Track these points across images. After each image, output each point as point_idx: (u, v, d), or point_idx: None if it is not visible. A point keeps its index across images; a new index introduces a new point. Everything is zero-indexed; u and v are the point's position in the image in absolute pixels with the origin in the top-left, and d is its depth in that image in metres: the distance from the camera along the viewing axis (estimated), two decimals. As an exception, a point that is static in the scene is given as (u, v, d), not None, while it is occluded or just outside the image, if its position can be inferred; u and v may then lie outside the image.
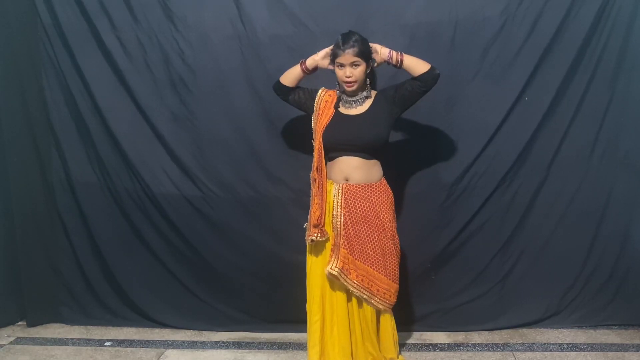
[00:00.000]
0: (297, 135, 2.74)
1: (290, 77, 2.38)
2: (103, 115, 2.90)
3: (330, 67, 2.31)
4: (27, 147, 2.97)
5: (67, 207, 3.05)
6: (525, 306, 2.92)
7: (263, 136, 2.83)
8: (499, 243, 2.87)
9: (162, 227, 2.98)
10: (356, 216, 2.31)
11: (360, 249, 2.31)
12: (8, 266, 3.07)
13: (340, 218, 2.31)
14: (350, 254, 2.31)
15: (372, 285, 2.32)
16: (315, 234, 2.31)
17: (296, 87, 2.42)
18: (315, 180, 2.34)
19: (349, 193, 2.31)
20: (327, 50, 2.30)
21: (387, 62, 2.29)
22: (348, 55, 2.19)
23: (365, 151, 2.30)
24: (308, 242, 2.36)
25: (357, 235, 2.31)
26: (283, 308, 2.88)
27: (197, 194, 2.91)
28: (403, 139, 2.76)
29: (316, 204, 2.32)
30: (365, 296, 2.33)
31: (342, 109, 2.33)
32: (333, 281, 2.35)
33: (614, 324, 2.92)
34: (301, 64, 2.34)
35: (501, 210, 2.84)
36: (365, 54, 2.23)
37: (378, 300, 2.34)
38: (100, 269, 3.08)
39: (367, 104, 2.32)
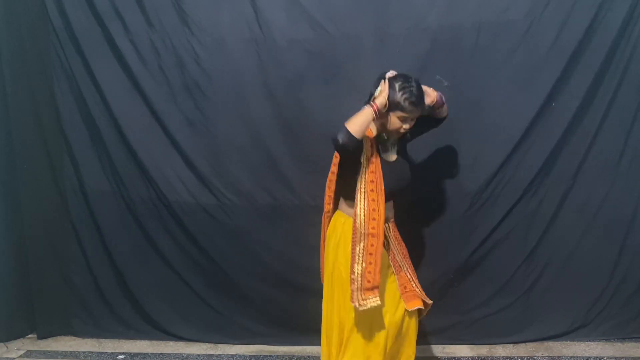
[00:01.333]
0: (315, 140, 2.70)
1: (363, 127, 1.96)
2: (116, 121, 2.88)
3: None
4: (39, 154, 2.95)
5: (79, 215, 3.03)
6: (551, 318, 2.88)
7: (280, 142, 2.79)
8: (524, 253, 2.83)
9: (177, 236, 2.95)
10: (403, 250, 2.27)
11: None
12: (18, 277, 3.04)
13: (400, 256, 2.23)
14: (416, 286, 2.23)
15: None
16: (376, 298, 2.03)
17: None
18: (372, 236, 2.06)
19: (394, 231, 2.26)
20: (386, 90, 2.01)
21: (430, 106, 2.12)
22: (416, 112, 2.05)
23: (399, 195, 2.24)
24: (364, 308, 2.04)
25: (410, 265, 2.27)
26: (302, 320, 2.83)
27: (213, 201, 2.87)
28: (425, 146, 2.70)
29: (371, 264, 2.04)
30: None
31: (383, 155, 2.17)
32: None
33: (642, 337, 2.87)
34: (373, 108, 1.97)
35: (526, 219, 2.80)
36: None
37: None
38: (113, 279, 3.06)
39: (396, 146, 2.21)
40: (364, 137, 2.02)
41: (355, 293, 2.04)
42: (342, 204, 2.20)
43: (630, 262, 2.81)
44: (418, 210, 2.64)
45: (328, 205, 2.27)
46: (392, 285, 2.16)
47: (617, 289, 2.85)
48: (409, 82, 2.03)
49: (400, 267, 2.20)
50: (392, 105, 2.02)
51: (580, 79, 2.65)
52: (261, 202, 2.84)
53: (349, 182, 2.11)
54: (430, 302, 2.19)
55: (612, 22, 2.60)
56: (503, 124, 2.70)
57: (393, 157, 2.19)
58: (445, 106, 2.20)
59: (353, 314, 2.13)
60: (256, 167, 2.82)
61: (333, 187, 2.23)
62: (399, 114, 2.03)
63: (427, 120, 2.23)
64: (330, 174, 2.23)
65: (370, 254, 2.05)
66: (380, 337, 2.13)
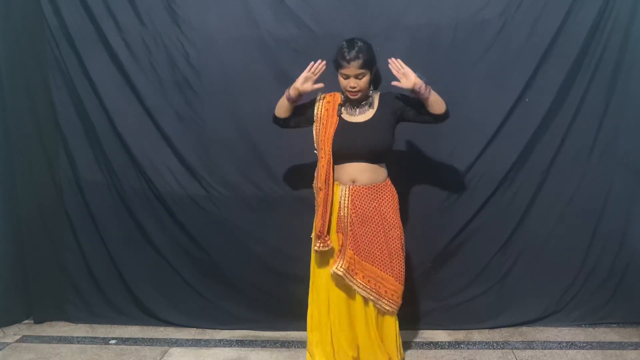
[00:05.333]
0: (300, 134, 2.71)
1: (282, 109, 2.36)
2: (109, 116, 2.93)
3: (316, 86, 2.28)
4: (35, 147, 3.00)
5: (74, 206, 3.09)
6: (525, 305, 2.94)
7: (267, 136, 2.84)
8: (499, 242, 2.90)
9: (167, 225, 3.01)
10: (363, 217, 2.32)
11: (367, 250, 2.32)
12: (15, 264, 3.10)
13: (347, 219, 2.32)
14: (357, 255, 2.31)
15: (379, 286, 2.33)
16: (318, 245, 2.33)
17: (292, 115, 2.39)
18: (321, 189, 2.33)
19: (356, 194, 2.32)
20: (304, 75, 2.27)
21: (412, 91, 2.20)
22: (352, 68, 2.18)
23: (372, 157, 2.32)
24: (316, 251, 2.38)
25: (364, 236, 2.32)
26: (286, 306, 2.90)
27: (202, 193, 2.94)
28: (404, 139, 2.79)
29: (320, 214, 2.33)
30: (372, 297, 2.33)
31: (346, 116, 2.33)
32: (338, 283, 2.36)
33: (612, 322, 2.95)
34: (287, 96, 2.32)
35: (501, 210, 2.87)
36: (370, 64, 2.22)
37: (386, 302, 2.34)
38: (106, 267, 3.11)
39: (372, 110, 2.33)
40: (319, 101, 2.35)
41: (313, 239, 2.34)
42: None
43: (601, 250, 2.89)
44: (399, 200, 2.71)
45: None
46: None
47: (588, 277, 2.91)
48: (353, 43, 2.21)
49: (342, 229, 2.33)
50: (334, 65, 2.24)
51: (553, 76, 2.73)
52: (248, 193, 2.91)
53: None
54: (342, 275, 2.29)
55: (583, 21, 2.68)
56: (479, 119, 2.77)
57: (360, 118, 2.31)
58: (432, 99, 2.21)
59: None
60: (243, 160, 2.89)
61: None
62: (339, 71, 2.22)
63: (419, 107, 2.28)
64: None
65: (317, 204, 2.34)
66: (322, 286, 2.43)
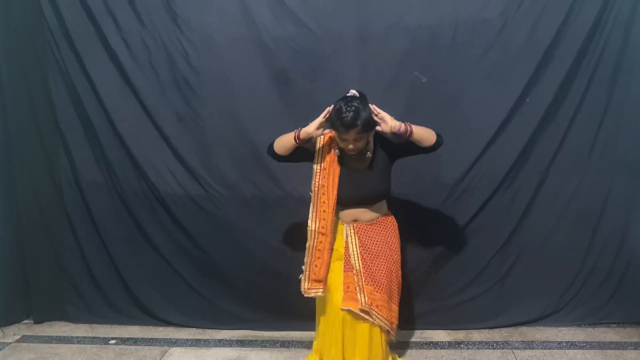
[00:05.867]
0: None
1: (284, 146, 2.24)
2: (109, 116, 2.94)
3: (326, 132, 2.22)
4: (35, 147, 3.01)
5: (74, 205, 3.10)
6: (525, 305, 2.95)
7: (266, 136, 2.75)
8: (498, 242, 2.90)
9: (167, 225, 3.01)
10: (372, 251, 2.30)
11: (381, 282, 2.29)
12: (15, 264, 3.11)
13: (358, 257, 2.29)
14: (376, 290, 2.27)
15: (389, 313, 2.31)
16: (320, 289, 2.29)
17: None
18: (324, 234, 2.27)
19: (362, 231, 2.32)
20: (320, 120, 2.15)
21: (395, 133, 2.13)
22: (351, 135, 2.11)
23: (374, 201, 2.33)
24: (308, 296, 2.31)
25: (377, 271, 2.29)
26: (286, 306, 2.90)
27: (201, 193, 2.94)
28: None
29: (319, 259, 2.28)
30: (387, 327, 2.31)
31: (346, 162, 2.29)
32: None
33: (612, 322, 2.95)
34: (295, 136, 2.19)
35: (501, 210, 2.87)
36: (368, 127, 2.12)
37: (392, 329, 2.35)
38: (106, 267, 3.12)
39: (369, 153, 2.28)
40: (322, 146, 2.28)
41: (303, 282, 2.30)
42: None
43: (601, 250, 2.89)
44: (399, 201, 2.71)
45: None
46: (339, 277, 2.31)
47: (588, 277, 2.92)
48: (349, 105, 2.08)
49: (352, 268, 2.28)
50: (331, 125, 2.15)
51: (553, 76, 2.73)
52: (247, 193, 2.91)
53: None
54: (368, 311, 2.23)
55: (583, 20, 2.68)
56: (479, 119, 2.77)
57: (361, 165, 2.28)
58: (416, 136, 2.14)
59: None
60: (242, 160, 2.89)
61: None
62: (337, 135, 2.16)
63: (410, 146, 2.22)
64: None
65: (319, 249, 2.28)
66: (330, 318, 2.34)
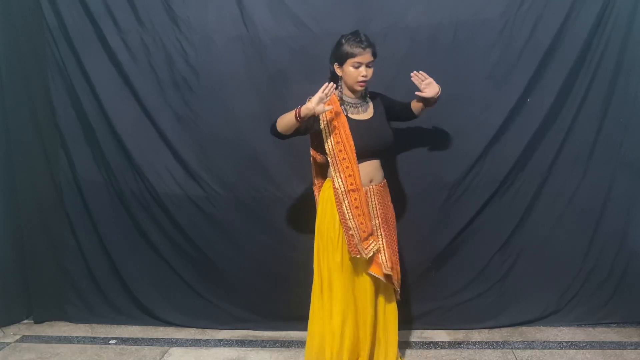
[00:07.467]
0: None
1: (286, 126, 2.20)
2: (108, 116, 2.93)
3: (327, 107, 2.15)
4: (34, 148, 3.01)
5: (73, 206, 3.09)
6: (525, 304, 2.95)
7: (265, 136, 2.73)
8: (499, 242, 2.90)
9: (166, 226, 3.01)
10: (385, 216, 2.34)
11: (392, 245, 2.35)
12: (15, 265, 3.11)
13: (378, 220, 2.31)
14: (392, 254, 2.32)
15: (398, 275, 2.38)
16: (376, 241, 2.27)
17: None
18: (355, 190, 2.21)
19: (379, 195, 2.32)
20: (319, 95, 2.11)
21: (430, 99, 2.31)
22: (367, 55, 2.16)
23: (384, 153, 2.35)
24: (361, 255, 2.23)
25: (388, 232, 2.33)
26: (285, 306, 2.90)
27: (200, 193, 2.93)
28: (406, 139, 2.77)
29: (360, 216, 2.22)
30: (398, 289, 2.38)
31: (351, 115, 2.27)
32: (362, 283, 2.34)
33: (612, 322, 2.95)
34: (296, 114, 2.14)
35: (501, 210, 2.87)
36: (376, 55, 2.23)
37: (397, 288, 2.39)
38: (105, 267, 3.12)
39: (371, 106, 2.33)
40: (328, 122, 2.21)
41: (357, 246, 2.22)
42: (328, 171, 2.33)
43: (601, 250, 2.89)
44: (399, 200, 2.70)
45: (315, 179, 2.47)
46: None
47: (588, 277, 2.92)
48: (359, 33, 2.20)
49: (374, 231, 2.30)
50: (342, 57, 2.18)
51: (554, 76, 2.72)
52: (246, 194, 2.90)
53: (324, 152, 2.27)
54: (392, 277, 2.29)
55: (585, 20, 2.67)
56: (480, 119, 2.77)
57: (364, 115, 2.29)
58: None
59: (334, 270, 2.31)
60: (241, 161, 2.88)
61: (315, 162, 2.42)
62: (351, 60, 2.16)
63: (402, 107, 2.39)
64: (311, 151, 2.41)
65: (356, 207, 2.23)
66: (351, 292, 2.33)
